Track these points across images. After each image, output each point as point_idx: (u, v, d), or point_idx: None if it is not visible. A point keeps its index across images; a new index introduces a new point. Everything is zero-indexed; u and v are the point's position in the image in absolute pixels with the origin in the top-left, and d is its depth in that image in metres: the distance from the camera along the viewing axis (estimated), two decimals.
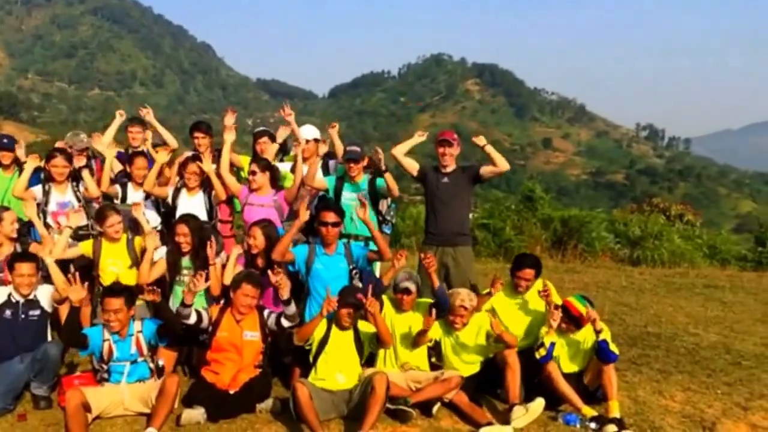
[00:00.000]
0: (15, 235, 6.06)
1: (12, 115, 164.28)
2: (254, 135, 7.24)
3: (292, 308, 5.43)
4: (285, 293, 5.36)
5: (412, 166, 6.59)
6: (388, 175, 6.33)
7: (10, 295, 5.50)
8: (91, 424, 4.83)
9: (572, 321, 5.47)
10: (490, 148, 6.27)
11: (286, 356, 5.70)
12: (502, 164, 6.28)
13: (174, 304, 5.72)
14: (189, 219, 5.99)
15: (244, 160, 7.24)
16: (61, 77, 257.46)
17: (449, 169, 6.47)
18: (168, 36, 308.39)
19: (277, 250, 5.77)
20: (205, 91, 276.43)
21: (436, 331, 5.61)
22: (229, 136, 6.80)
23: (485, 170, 6.40)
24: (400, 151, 6.55)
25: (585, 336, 5.55)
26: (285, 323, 5.44)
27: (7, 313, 5.46)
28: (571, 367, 5.59)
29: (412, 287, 5.57)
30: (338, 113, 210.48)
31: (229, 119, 6.88)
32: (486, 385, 5.61)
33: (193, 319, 5.29)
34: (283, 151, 7.48)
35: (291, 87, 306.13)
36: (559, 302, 5.63)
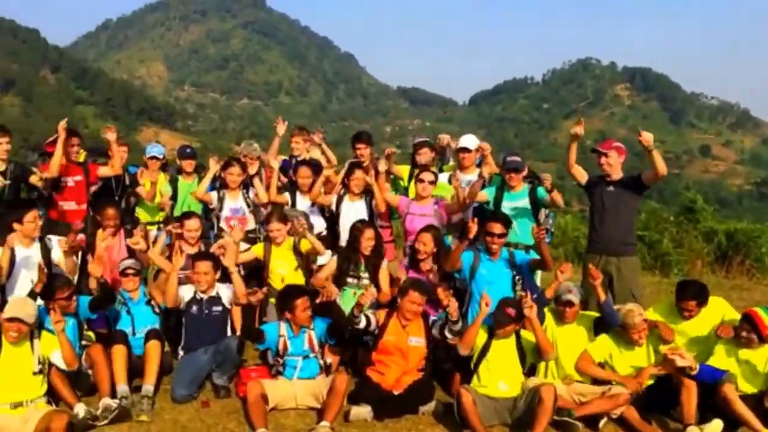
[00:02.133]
0: (195, 241, 6.55)
1: (169, 124, 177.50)
2: (414, 146, 7.42)
3: (459, 324, 5.50)
4: (454, 314, 5.44)
5: (581, 175, 6.50)
6: (554, 193, 6.33)
7: (195, 292, 5.99)
8: (268, 414, 5.13)
9: (754, 330, 5.17)
10: (656, 152, 5.98)
11: (447, 362, 5.80)
12: (663, 169, 6.07)
13: (342, 303, 6.04)
14: (369, 224, 6.32)
15: (403, 170, 7.46)
16: (214, 88, 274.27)
17: (614, 178, 6.32)
18: (313, 47, 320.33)
19: (449, 261, 5.96)
20: (347, 100, 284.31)
21: (604, 350, 5.52)
22: (382, 166, 6.98)
23: (646, 176, 6.21)
24: (570, 163, 6.47)
25: (766, 354, 5.23)
26: (449, 336, 5.53)
27: (193, 308, 5.96)
28: (750, 388, 5.26)
29: (575, 299, 5.50)
30: (478, 120, 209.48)
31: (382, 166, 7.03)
32: (658, 402, 5.41)
33: (362, 324, 5.51)
34: (442, 160, 7.60)
35: (430, 94, 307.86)
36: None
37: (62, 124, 6.63)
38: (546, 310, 5.68)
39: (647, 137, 5.82)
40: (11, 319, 4.75)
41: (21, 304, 4.95)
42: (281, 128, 7.70)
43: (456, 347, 5.46)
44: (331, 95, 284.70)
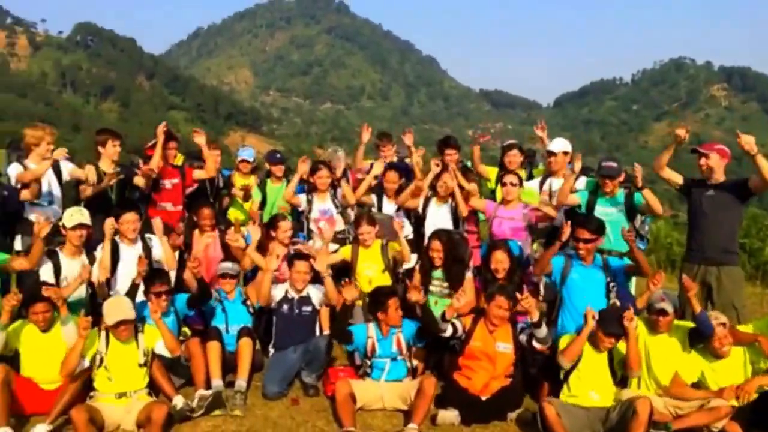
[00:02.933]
0: (287, 241, 6.72)
1: (254, 128, 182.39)
2: (503, 148, 7.35)
3: (543, 331, 5.40)
4: (534, 315, 5.36)
5: (676, 178, 6.23)
6: (647, 193, 6.11)
7: (286, 291, 6.14)
8: (356, 414, 5.19)
9: None
10: (760, 156, 5.52)
11: (533, 367, 5.72)
12: None
13: None
14: (442, 234, 6.28)
15: (491, 172, 7.39)
16: (298, 93, 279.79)
17: (715, 182, 6.01)
18: (395, 51, 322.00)
19: (539, 265, 5.90)
20: (428, 103, 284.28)
21: (695, 369, 5.33)
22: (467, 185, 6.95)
23: (754, 182, 5.79)
24: (660, 164, 6.22)
25: None
26: (536, 345, 5.45)
27: (284, 308, 6.11)
28: None
29: (669, 309, 5.31)
30: (563, 123, 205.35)
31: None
32: (764, 418, 5.14)
33: (449, 332, 5.49)
34: (531, 163, 7.50)
35: (513, 97, 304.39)
36: None
37: (161, 128, 6.93)
38: (638, 319, 5.50)
39: (747, 140, 5.45)
40: (117, 324, 4.98)
41: (118, 306, 5.13)
42: (366, 135, 7.76)
43: (542, 353, 5.39)
44: (413, 99, 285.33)
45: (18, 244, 6.15)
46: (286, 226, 6.70)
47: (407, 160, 7.69)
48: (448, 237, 6.27)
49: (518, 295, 5.34)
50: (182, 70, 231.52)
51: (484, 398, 5.28)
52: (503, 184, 6.66)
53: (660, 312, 5.31)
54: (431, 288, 6.25)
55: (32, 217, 6.19)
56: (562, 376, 5.30)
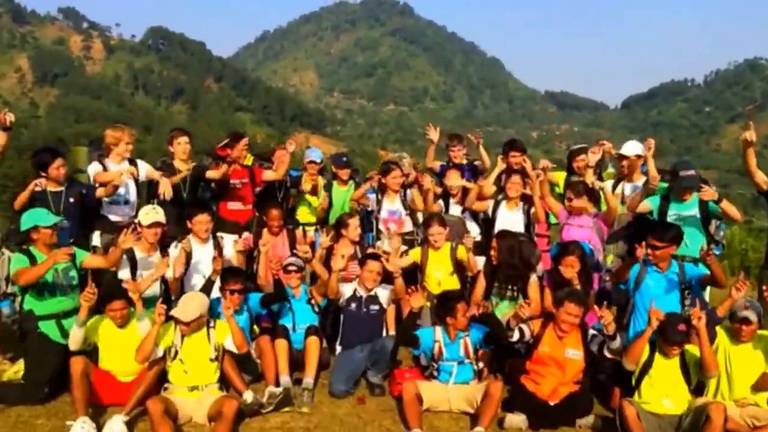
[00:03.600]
0: (358, 239, 6.78)
1: (319, 129, 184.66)
2: (572, 152, 7.23)
3: (617, 343, 5.27)
4: (611, 328, 5.24)
5: (762, 179, 6.00)
6: (725, 204, 5.97)
7: (355, 290, 6.20)
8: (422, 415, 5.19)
9: None
10: None
11: (602, 374, 5.60)
12: None
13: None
14: (503, 234, 6.26)
15: (559, 177, 7.30)
16: (362, 95, 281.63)
17: None
18: (459, 53, 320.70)
19: (617, 274, 5.80)
20: (492, 105, 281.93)
21: None
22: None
23: None
24: (749, 171, 5.99)
25: None
26: (608, 355, 5.34)
27: (352, 306, 6.17)
28: None
29: (753, 317, 5.09)
30: (630, 125, 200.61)
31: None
32: None
33: (515, 337, 5.44)
34: (600, 166, 7.35)
35: (580, 98, 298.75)
36: None
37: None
38: (719, 328, 5.32)
39: None
40: (190, 323, 5.13)
41: (191, 306, 5.24)
42: (434, 134, 7.67)
43: (612, 360, 5.29)
44: (476, 100, 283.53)
45: (96, 239, 6.39)
46: (355, 223, 6.79)
47: (476, 162, 7.64)
48: (512, 239, 6.21)
49: (596, 308, 5.25)
50: (249, 73, 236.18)
51: (552, 404, 5.18)
52: (568, 198, 6.59)
53: (743, 320, 5.10)
54: (493, 290, 6.21)
55: (111, 217, 6.47)
56: (633, 383, 5.17)
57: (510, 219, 6.81)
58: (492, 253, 6.18)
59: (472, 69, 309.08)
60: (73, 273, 5.67)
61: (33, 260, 5.46)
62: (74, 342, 5.18)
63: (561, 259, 6.01)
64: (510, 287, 6.15)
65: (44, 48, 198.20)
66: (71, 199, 6.20)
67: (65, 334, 5.43)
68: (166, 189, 6.54)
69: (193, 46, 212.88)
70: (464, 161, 7.72)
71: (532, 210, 6.80)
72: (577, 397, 5.26)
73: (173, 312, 5.16)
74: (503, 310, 5.74)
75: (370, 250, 6.72)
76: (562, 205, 6.82)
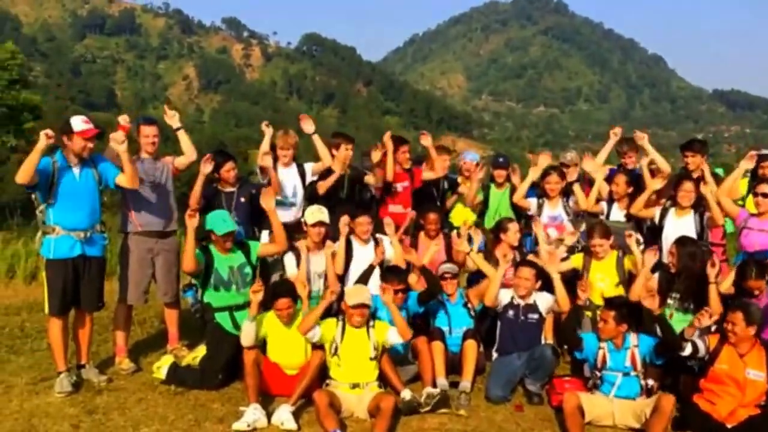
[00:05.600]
0: (516, 244, 6.69)
1: (465, 132, 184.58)
2: (760, 157, 6.71)
3: None
4: None
5: None
6: None
7: (512, 297, 6.13)
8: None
9: None
10: None
11: None
12: None
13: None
14: (684, 242, 5.93)
15: (741, 184, 6.83)
16: (510, 96, 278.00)
17: None
18: (617, 50, 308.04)
19: None
20: (652, 105, 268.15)
21: None
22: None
23: None
24: None
25: None
26: None
27: (510, 313, 6.10)
28: None
29: None
30: None
31: None
32: None
33: (688, 351, 5.12)
34: None
35: (753, 97, 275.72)
36: None
37: (387, 137, 7.25)
38: None
39: None
40: (357, 306, 5.33)
41: (360, 290, 5.55)
42: (614, 137, 7.34)
43: None
44: (634, 101, 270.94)
45: (264, 238, 6.75)
46: (514, 227, 6.70)
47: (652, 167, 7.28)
48: (692, 246, 5.88)
49: None
50: (397, 76, 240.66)
51: (729, 426, 4.84)
52: (755, 194, 6.10)
53: None
54: (669, 301, 5.87)
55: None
56: None
57: (681, 227, 6.39)
58: (670, 260, 5.89)
59: (631, 67, 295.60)
60: (248, 270, 6.08)
61: (209, 256, 5.95)
62: (246, 337, 5.50)
63: (745, 271, 5.58)
64: (688, 298, 5.82)
65: (209, 56, 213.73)
66: (242, 199, 6.64)
67: (237, 325, 5.84)
68: (337, 162, 6.90)
69: (344, 51, 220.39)
70: (636, 167, 7.37)
71: (707, 215, 6.40)
72: (758, 421, 4.86)
73: (347, 302, 5.37)
74: (679, 324, 5.41)
75: (530, 257, 6.61)
76: (741, 207, 6.38)
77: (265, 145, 6.88)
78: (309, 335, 5.40)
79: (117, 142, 5.63)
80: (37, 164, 5.32)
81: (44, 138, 5.25)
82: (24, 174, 5.32)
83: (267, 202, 6.18)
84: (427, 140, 7.45)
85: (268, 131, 6.92)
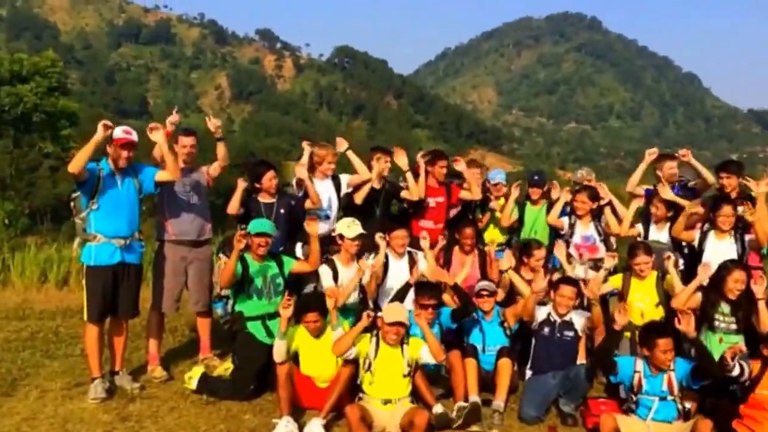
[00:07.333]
0: (539, 270, 6.59)
1: (495, 147, 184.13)
2: None
3: None
4: None
5: None
6: None
7: (549, 314, 6.07)
8: None
9: None
10: None
11: None
12: None
13: (709, 346, 5.56)
14: (747, 266, 5.87)
15: None
16: (542, 112, 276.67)
17: None
18: (651, 68, 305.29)
19: None
20: (686, 124, 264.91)
21: None
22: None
23: None
24: None
25: None
26: None
27: (545, 330, 6.04)
28: None
29: None
30: None
31: None
32: None
33: (736, 372, 5.01)
34: None
35: None
36: None
37: (420, 156, 7.27)
38: None
39: None
40: (393, 324, 5.29)
41: (398, 309, 5.48)
42: (649, 157, 7.16)
43: None
44: (667, 119, 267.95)
45: (299, 251, 6.76)
46: (540, 254, 6.65)
47: (691, 183, 7.17)
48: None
49: None
50: (428, 90, 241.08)
51: None
52: None
53: None
54: (715, 323, 5.77)
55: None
56: None
57: (722, 250, 6.29)
58: (736, 285, 5.70)
59: (665, 85, 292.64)
60: (280, 280, 6.10)
61: (244, 263, 5.95)
62: (278, 354, 5.48)
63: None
64: (736, 321, 5.69)
65: (241, 67, 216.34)
66: (281, 210, 6.64)
67: (270, 333, 5.87)
68: (375, 171, 6.95)
69: (375, 64, 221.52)
70: (676, 183, 7.22)
71: (748, 237, 6.27)
72: None
73: (385, 319, 5.32)
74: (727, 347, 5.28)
75: (556, 275, 6.54)
76: None
77: (304, 161, 6.91)
78: (345, 354, 5.38)
79: (156, 131, 5.84)
80: (91, 155, 5.42)
81: (102, 128, 5.35)
82: (77, 163, 5.41)
83: (311, 227, 6.20)
84: (461, 165, 7.37)
85: (308, 149, 6.96)
